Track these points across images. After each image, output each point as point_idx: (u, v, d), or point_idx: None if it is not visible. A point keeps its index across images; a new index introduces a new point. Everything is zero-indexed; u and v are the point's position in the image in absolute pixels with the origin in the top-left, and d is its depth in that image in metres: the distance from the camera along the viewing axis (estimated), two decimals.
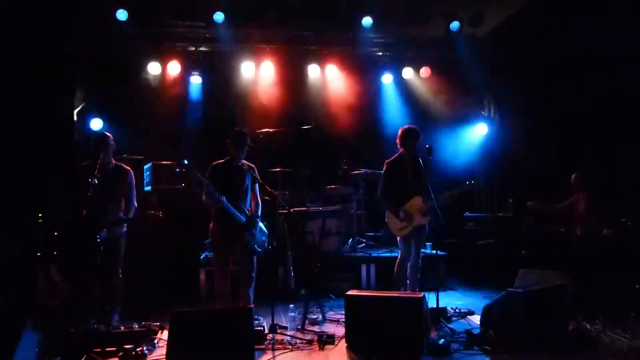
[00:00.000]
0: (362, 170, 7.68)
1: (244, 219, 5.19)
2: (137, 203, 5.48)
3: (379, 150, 7.67)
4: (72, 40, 7.38)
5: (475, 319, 5.44)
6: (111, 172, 5.25)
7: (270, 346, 4.73)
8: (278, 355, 4.56)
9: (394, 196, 5.67)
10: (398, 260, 5.74)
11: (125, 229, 5.34)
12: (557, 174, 6.90)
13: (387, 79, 8.84)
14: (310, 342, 4.84)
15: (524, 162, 7.79)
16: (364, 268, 7.05)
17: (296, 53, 8.58)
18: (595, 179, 6.33)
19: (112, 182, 5.21)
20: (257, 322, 5.07)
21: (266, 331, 4.93)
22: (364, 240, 7.94)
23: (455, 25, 8.00)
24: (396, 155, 5.76)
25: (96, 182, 4.91)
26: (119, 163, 5.41)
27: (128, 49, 7.87)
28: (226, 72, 8.43)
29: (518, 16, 7.72)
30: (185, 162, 4.95)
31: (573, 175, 6.41)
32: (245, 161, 5.35)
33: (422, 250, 5.80)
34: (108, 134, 5.36)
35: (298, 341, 4.86)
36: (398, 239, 5.76)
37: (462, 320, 5.57)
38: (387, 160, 5.77)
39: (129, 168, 5.43)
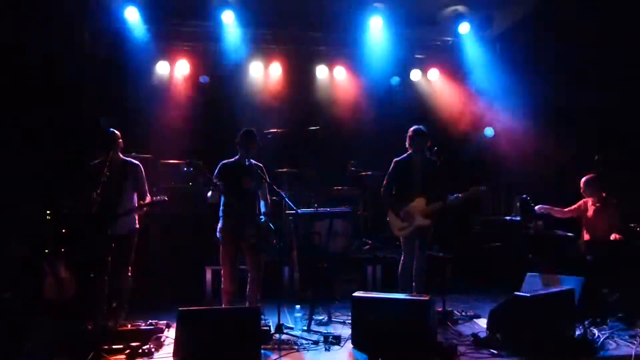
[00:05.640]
0: (369, 172, 7.68)
1: (252, 219, 5.19)
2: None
3: (386, 151, 7.65)
4: (82, 39, 7.43)
5: (482, 323, 5.42)
6: (120, 168, 5.28)
7: (276, 346, 4.74)
8: (284, 355, 4.57)
9: (396, 195, 5.67)
10: (401, 261, 5.72)
11: (137, 225, 5.36)
12: (566, 177, 6.87)
13: (395, 80, 8.83)
14: (316, 342, 4.85)
15: (532, 165, 7.75)
16: (369, 269, 7.06)
17: (304, 54, 8.60)
18: (604, 183, 6.30)
19: (122, 178, 5.24)
20: (263, 322, 5.08)
21: (272, 331, 4.95)
22: (370, 242, 7.93)
23: (464, 27, 7.99)
24: (405, 155, 5.77)
25: (105, 179, 4.95)
26: (127, 159, 5.44)
27: (137, 48, 7.92)
28: (234, 72, 8.45)
29: (527, 19, 7.70)
30: (194, 161, 4.98)
31: (582, 180, 6.39)
32: (253, 161, 5.37)
33: (428, 252, 5.78)
34: (116, 131, 5.40)
35: (304, 342, 4.87)
36: (401, 240, 5.75)
37: (469, 324, 5.55)
38: (395, 159, 5.78)
39: (137, 162, 5.46)
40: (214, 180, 5.05)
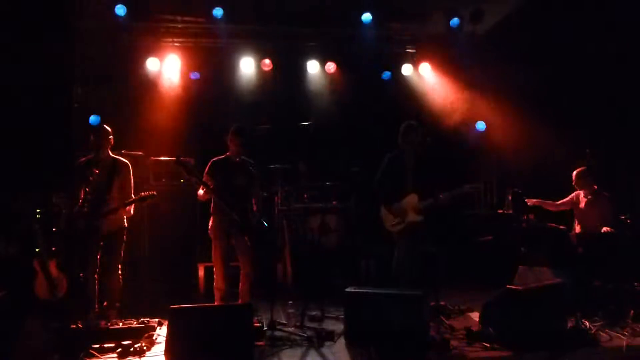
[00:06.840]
0: (361, 167, 7.66)
1: (243, 215, 5.17)
2: None
3: (378, 147, 7.63)
4: (71, 35, 7.36)
5: (475, 316, 5.44)
6: (109, 166, 5.25)
7: (269, 343, 4.72)
8: (277, 351, 4.56)
9: (389, 190, 5.67)
10: (395, 257, 5.72)
11: (125, 224, 5.32)
12: (557, 170, 6.89)
13: (386, 75, 8.81)
14: (309, 338, 4.84)
15: (524, 159, 7.77)
16: (362, 265, 7.05)
17: (295, 49, 8.55)
18: (595, 176, 6.31)
19: (111, 175, 5.21)
20: (256, 318, 5.06)
21: (265, 328, 4.93)
22: (363, 237, 7.91)
23: (455, 21, 7.98)
24: (397, 151, 5.76)
25: (94, 177, 4.91)
26: (116, 156, 5.40)
27: (127, 44, 7.85)
28: (225, 68, 8.40)
29: (518, 13, 7.70)
30: (184, 159, 4.95)
31: (574, 172, 6.41)
32: (244, 157, 5.35)
33: (421, 247, 5.77)
34: (107, 127, 5.35)
35: (297, 338, 4.86)
36: (394, 235, 5.74)
37: (461, 317, 5.56)
38: (388, 155, 5.77)
39: (127, 161, 5.42)
40: (205, 178, 5.03)
